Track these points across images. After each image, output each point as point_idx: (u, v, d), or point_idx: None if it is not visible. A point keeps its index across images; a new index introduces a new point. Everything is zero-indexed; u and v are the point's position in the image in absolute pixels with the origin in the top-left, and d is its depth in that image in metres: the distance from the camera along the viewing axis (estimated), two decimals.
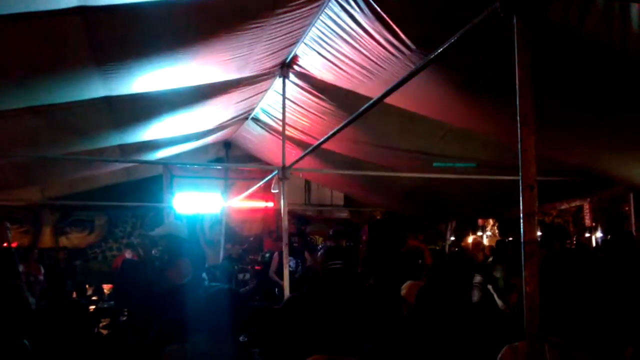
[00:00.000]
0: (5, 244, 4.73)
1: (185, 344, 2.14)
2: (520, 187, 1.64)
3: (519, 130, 1.65)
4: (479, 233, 16.44)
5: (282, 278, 5.43)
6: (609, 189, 6.11)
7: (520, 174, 1.64)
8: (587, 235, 10.19)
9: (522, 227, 1.62)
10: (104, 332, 6.93)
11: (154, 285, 3.95)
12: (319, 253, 6.74)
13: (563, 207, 8.02)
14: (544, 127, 4.05)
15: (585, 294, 3.80)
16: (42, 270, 7.81)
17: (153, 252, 6.01)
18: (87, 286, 9.04)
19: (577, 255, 5.35)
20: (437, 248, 10.45)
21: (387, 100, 4.03)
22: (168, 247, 4.18)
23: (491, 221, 16.56)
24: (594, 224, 9.64)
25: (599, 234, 10.65)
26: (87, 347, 2.37)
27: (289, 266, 5.60)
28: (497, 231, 16.77)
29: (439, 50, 2.33)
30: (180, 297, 3.34)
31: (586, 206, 9.87)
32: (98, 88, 4.08)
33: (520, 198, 1.63)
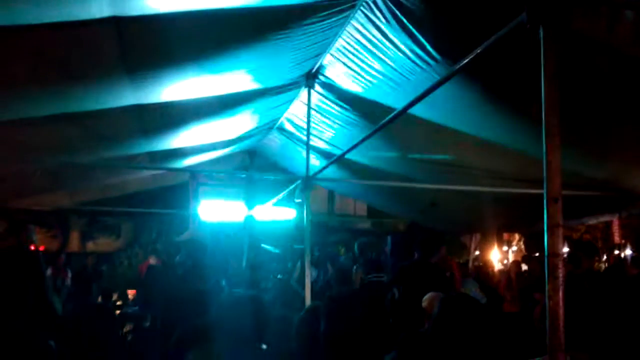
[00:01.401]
0: (31, 247, 4.85)
1: (207, 349, 2.16)
2: (545, 200, 1.62)
3: (544, 142, 1.64)
4: (505, 248, 16.19)
5: (303, 287, 5.44)
6: (638, 204, 5.97)
7: (544, 186, 1.62)
8: (617, 252, 9.97)
9: (545, 240, 1.60)
10: (128, 337, 7.03)
11: (177, 290, 4.00)
12: (356, 266, 6.74)
13: (591, 222, 7.85)
14: (572, 141, 4.00)
15: (613, 310, 3.73)
16: (69, 275, 7.97)
17: (177, 258, 6.09)
18: (112, 292, 9.18)
19: (606, 274, 5.24)
20: (461, 262, 10.32)
21: (412, 111, 4.04)
22: (191, 252, 4.23)
23: (517, 236, 16.31)
24: (623, 241, 9.43)
25: (628, 251, 10.39)
26: (112, 350, 2.41)
27: (311, 276, 5.61)
28: (522, 246, 16.49)
29: (464, 62, 2.33)
30: (201, 302, 3.37)
31: (615, 222, 9.65)
32: (128, 96, 4.17)
33: (545, 210, 1.62)
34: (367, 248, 5.95)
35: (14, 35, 2.74)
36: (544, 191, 1.63)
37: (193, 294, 3.81)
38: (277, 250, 9.44)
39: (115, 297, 8.99)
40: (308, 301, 5.04)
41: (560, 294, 1.54)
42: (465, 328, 1.82)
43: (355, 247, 6.38)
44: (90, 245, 10.42)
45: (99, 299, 8.35)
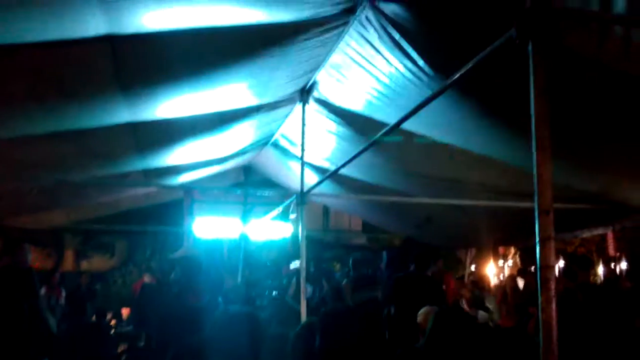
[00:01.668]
0: (26, 266, 4.82)
1: None
2: (536, 212, 1.64)
3: (534, 155, 1.66)
4: (500, 262, 16.15)
5: (299, 303, 5.42)
6: (631, 217, 6.00)
7: (535, 198, 1.64)
8: (612, 265, 9.98)
9: (537, 252, 1.61)
10: (123, 357, 6.95)
11: (171, 308, 3.98)
12: (345, 280, 6.74)
13: (584, 235, 7.87)
14: (563, 154, 4.04)
15: (606, 324, 3.73)
16: (63, 294, 7.90)
17: (171, 276, 6.06)
18: (106, 311, 9.10)
19: (601, 287, 5.25)
20: (457, 276, 10.30)
21: (406, 126, 4.07)
22: (185, 270, 4.21)
23: (513, 250, 16.28)
24: (618, 254, 9.43)
25: (623, 265, 10.40)
26: None
27: (306, 292, 5.59)
28: (518, 260, 16.45)
29: (455, 77, 2.36)
30: (196, 320, 3.35)
31: (610, 235, 9.67)
32: (123, 113, 4.19)
33: (536, 223, 1.63)
34: (362, 264, 5.94)
35: (10, 53, 2.76)
36: (535, 204, 1.64)
37: (187, 311, 3.79)
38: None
39: (109, 316, 8.90)
40: (304, 317, 5.02)
41: (553, 306, 1.55)
42: (458, 342, 1.82)
43: (350, 262, 6.37)
44: (85, 264, 10.35)
45: (93, 318, 8.28)
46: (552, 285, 1.56)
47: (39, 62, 2.98)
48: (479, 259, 10.66)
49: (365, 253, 10.15)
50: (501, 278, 10.49)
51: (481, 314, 7.25)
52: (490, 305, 7.45)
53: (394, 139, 4.99)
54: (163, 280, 7.64)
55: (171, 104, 4.33)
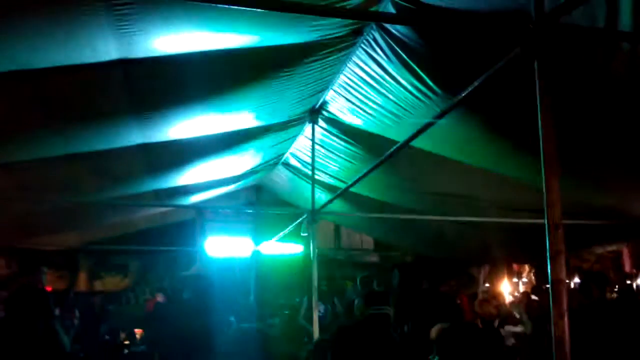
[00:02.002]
0: (41, 287, 4.87)
1: None
2: (546, 227, 1.64)
3: (542, 171, 1.68)
4: (515, 279, 15.97)
5: (311, 323, 5.39)
6: None
7: (545, 213, 1.65)
8: (628, 282, 9.83)
9: (549, 267, 1.62)
10: None
11: (183, 326, 3.98)
12: (357, 300, 6.71)
13: (599, 251, 7.79)
14: (576, 170, 4.03)
15: (621, 339, 3.68)
16: (77, 315, 7.93)
17: (184, 295, 6.08)
18: (120, 331, 9.10)
19: (616, 302, 5.16)
20: (470, 294, 10.19)
21: (416, 144, 4.09)
22: (197, 288, 4.23)
23: (527, 267, 16.10)
24: (634, 271, 9.30)
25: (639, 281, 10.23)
26: None
27: (319, 311, 5.56)
28: (533, 277, 16.24)
29: (462, 95, 2.39)
30: (207, 338, 3.36)
31: (626, 252, 9.54)
32: (135, 135, 4.26)
33: (546, 238, 1.64)
34: (370, 282, 5.94)
35: (26, 78, 2.83)
36: (545, 218, 1.65)
37: (198, 330, 3.79)
38: None
39: (122, 336, 8.91)
40: (316, 336, 5.00)
41: (565, 319, 1.55)
42: (465, 357, 1.82)
43: (358, 281, 6.37)
44: (98, 285, 10.38)
45: (106, 338, 8.29)
46: (564, 300, 1.56)
47: (53, 87, 3.05)
48: (492, 277, 10.56)
49: (373, 270, 10.12)
50: (516, 295, 10.34)
51: (509, 329, 7.07)
52: (519, 314, 7.28)
53: None
54: (175, 299, 7.64)
55: (182, 126, 4.39)
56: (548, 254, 1.64)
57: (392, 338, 2.76)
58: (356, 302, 6.61)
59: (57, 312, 6.12)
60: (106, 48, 2.75)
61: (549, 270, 1.61)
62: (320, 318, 5.58)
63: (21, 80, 2.84)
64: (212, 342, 3.18)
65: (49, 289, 8.19)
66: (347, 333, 2.65)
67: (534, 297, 7.95)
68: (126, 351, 7.53)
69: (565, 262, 1.62)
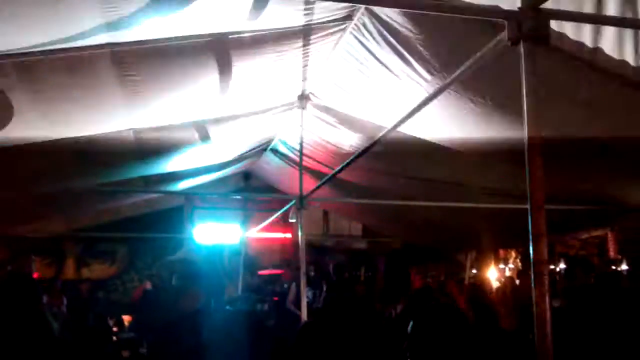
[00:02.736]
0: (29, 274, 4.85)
1: None
2: (529, 209, 1.67)
3: (526, 153, 1.70)
4: (501, 265, 16.15)
5: (299, 309, 5.44)
6: (631, 218, 6.03)
7: (528, 195, 1.68)
8: (613, 267, 9.98)
9: (531, 248, 1.65)
10: None
11: (170, 312, 3.99)
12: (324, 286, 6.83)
13: (584, 236, 7.89)
14: (562, 155, 4.07)
15: (602, 324, 3.76)
16: (65, 302, 7.90)
17: (173, 281, 6.08)
18: (108, 318, 9.09)
19: (598, 287, 5.26)
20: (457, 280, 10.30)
21: (405, 130, 4.10)
22: (183, 272, 4.23)
23: (514, 253, 16.28)
24: (619, 257, 9.44)
25: (624, 267, 10.41)
26: None
27: (307, 297, 5.61)
28: (519, 263, 16.45)
29: (449, 80, 2.40)
30: (194, 324, 3.36)
31: (610, 237, 9.67)
32: (124, 120, 4.23)
33: (529, 220, 1.67)
34: (343, 269, 6.09)
35: (10, 61, 2.80)
36: (528, 201, 1.68)
37: (185, 316, 3.79)
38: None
39: (111, 323, 8.90)
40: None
41: (547, 300, 1.58)
42: (439, 339, 1.85)
43: (331, 268, 6.50)
44: (86, 272, 10.34)
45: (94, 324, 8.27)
46: (546, 280, 1.60)
47: (39, 68, 3.01)
48: (479, 262, 10.67)
49: (361, 257, 10.22)
50: (502, 280, 10.47)
51: None
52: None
53: None
54: (161, 285, 7.64)
55: (171, 110, 4.37)
56: (530, 236, 1.67)
57: (357, 320, 2.78)
58: (324, 288, 6.77)
59: (45, 299, 6.10)
60: (94, 30, 2.72)
61: (531, 252, 1.65)
62: (308, 303, 5.62)
63: (6, 62, 2.80)
64: (198, 328, 3.18)
65: (36, 276, 8.16)
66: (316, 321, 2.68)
67: (517, 281, 8.07)
68: (114, 338, 7.52)
69: (547, 244, 1.65)
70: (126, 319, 8.94)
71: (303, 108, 5.19)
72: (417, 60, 3.42)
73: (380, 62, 3.66)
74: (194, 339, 3.06)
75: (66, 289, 9.08)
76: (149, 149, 5.34)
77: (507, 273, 13.12)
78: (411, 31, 3.17)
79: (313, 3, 3.10)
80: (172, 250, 10.42)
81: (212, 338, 2.55)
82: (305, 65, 4.17)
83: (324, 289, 7.18)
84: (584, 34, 2.60)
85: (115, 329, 8.54)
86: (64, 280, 9.50)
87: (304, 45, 3.73)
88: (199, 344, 2.77)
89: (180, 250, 4.84)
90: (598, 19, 2.40)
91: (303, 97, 5.05)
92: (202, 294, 3.84)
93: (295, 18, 3.28)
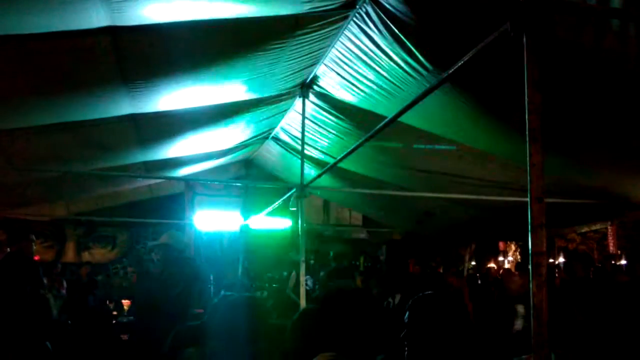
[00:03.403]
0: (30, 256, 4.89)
1: (202, 348, 2.18)
2: (529, 200, 1.67)
3: (527, 145, 1.70)
4: (501, 258, 16.21)
5: (299, 297, 5.46)
6: (631, 212, 6.03)
7: (528, 187, 1.67)
8: (612, 262, 10.01)
9: (530, 239, 1.65)
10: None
11: (148, 297, 4.01)
12: (322, 273, 6.86)
13: (584, 230, 7.92)
14: (562, 148, 4.07)
15: (599, 315, 3.78)
16: (65, 285, 7.95)
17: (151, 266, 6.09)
18: (107, 301, 9.15)
19: (596, 280, 5.29)
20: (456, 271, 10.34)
21: (405, 120, 4.09)
22: (163, 257, 4.25)
23: (513, 246, 16.33)
24: (619, 252, 9.46)
25: (623, 261, 10.44)
26: (109, 352, 2.44)
27: (306, 285, 5.63)
28: (519, 256, 16.50)
29: (451, 71, 2.39)
30: (174, 307, 3.39)
31: (610, 232, 9.68)
32: (125, 105, 4.22)
33: (529, 211, 1.67)
34: (342, 258, 6.12)
35: (13, 44, 2.79)
36: (528, 192, 1.68)
37: (166, 299, 3.82)
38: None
39: (111, 306, 8.95)
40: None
41: (544, 290, 1.59)
42: (433, 327, 1.86)
43: (330, 256, 6.54)
44: (86, 256, 10.39)
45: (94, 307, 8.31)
46: (544, 271, 1.60)
47: (41, 54, 3.01)
48: (478, 254, 10.71)
49: (362, 246, 10.22)
50: (500, 272, 10.50)
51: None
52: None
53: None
54: (146, 270, 7.70)
55: (172, 97, 4.36)
56: (530, 227, 1.67)
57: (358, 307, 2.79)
58: (321, 274, 6.79)
59: (45, 282, 6.14)
60: (96, 15, 2.71)
61: (529, 243, 1.65)
62: (307, 291, 5.65)
63: (7, 45, 2.79)
64: (178, 311, 3.20)
65: (37, 258, 8.20)
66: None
67: (516, 273, 8.10)
68: (114, 321, 7.56)
69: (545, 235, 1.65)
70: (125, 302, 9.00)
71: (305, 97, 5.17)
72: (420, 51, 3.40)
73: (383, 51, 3.64)
74: (172, 322, 3.06)
75: (66, 272, 9.15)
76: (150, 134, 5.35)
77: (507, 266, 13.15)
78: (414, 21, 3.15)
79: None
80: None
81: (212, 319, 2.56)
82: (308, 54, 4.15)
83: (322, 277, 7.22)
84: (587, 25, 2.59)
85: (114, 312, 8.60)
86: (64, 263, 9.56)
87: (306, 33, 3.71)
88: (200, 324, 2.78)
89: (163, 235, 4.88)
90: (602, 11, 2.39)
91: (305, 86, 5.04)
92: (180, 278, 3.85)
93: (297, 5, 3.26)
